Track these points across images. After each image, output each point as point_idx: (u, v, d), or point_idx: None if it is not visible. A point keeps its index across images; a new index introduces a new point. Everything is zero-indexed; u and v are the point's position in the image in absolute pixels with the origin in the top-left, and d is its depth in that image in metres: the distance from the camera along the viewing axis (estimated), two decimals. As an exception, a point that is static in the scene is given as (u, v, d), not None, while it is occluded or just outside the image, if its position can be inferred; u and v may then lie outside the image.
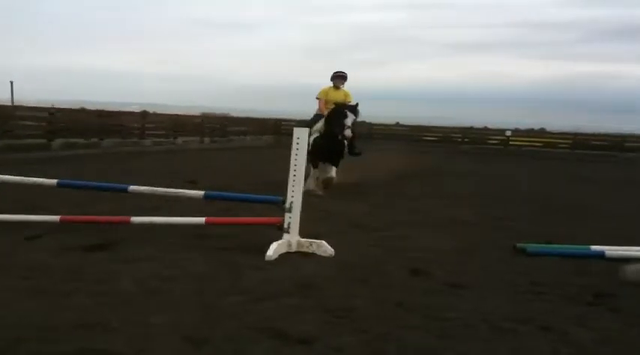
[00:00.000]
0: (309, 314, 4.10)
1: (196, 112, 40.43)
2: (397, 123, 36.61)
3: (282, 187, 6.05)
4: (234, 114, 44.05)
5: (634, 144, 29.86)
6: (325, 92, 11.03)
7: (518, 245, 6.54)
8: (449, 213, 8.87)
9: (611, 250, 6.34)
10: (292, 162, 5.83)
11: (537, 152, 28.48)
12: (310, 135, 9.61)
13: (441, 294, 4.78)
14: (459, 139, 31.28)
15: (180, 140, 23.39)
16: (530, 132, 37.36)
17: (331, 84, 11.08)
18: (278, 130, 30.52)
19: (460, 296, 4.77)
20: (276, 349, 3.50)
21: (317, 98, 11.13)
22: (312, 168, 10.26)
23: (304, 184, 9.00)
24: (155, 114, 26.16)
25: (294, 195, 5.76)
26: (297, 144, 5.83)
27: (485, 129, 37.74)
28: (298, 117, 36.16)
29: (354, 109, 10.08)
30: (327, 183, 10.27)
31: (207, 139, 25.21)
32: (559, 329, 4.06)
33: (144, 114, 23.92)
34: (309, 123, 10.55)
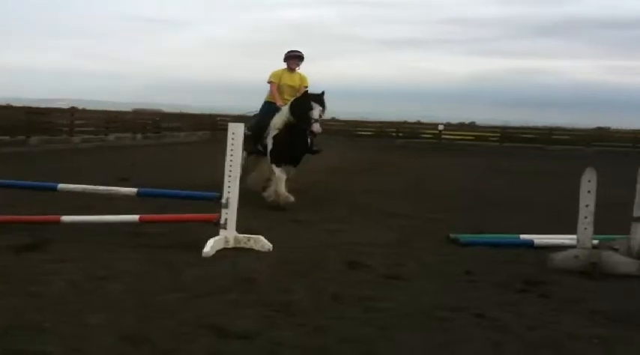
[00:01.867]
0: (248, 309, 4.10)
1: (128, 108, 39.58)
2: (333, 119, 36.82)
3: (219, 183, 6.01)
4: (168, 110, 43.34)
5: (559, 137, 31.02)
6: (278, 75, 9.38)
7: (452, 235, 6.71)
8: (385, 207, 9.00)
9: (540, 239, 6.58)
10: (228, 157, 5.80)
11: (468, 145, 29.20)
12: (265, 131, 8.86)
13: (379, 286, 4.86)
14: (394, 133, 31.73)
15: (111, 137, 22.82)
16: (461, 127, 38.27)
17: (284, 66, 9.46)
18: (213, 126, 30.19)
19: (397, 287, 4.86)
20: (216, 345, 3.48)
21: (268, 82, 9.48)
22: (276, 170, 8.68)
23: (273, 190, 8.39)
24: (85, 111, 25.42)
25: (231, 190, 5.73)
26: (233, 139, 5.79)
27: (419, 123, 38.42)
28: (233, 113, 35.89)
29: (320, 99, 8.58)
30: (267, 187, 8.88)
31: (139, 136, 24.68)
32: (491, 316, 4.19)
33: (72, 111, 23.19)
34: (260, 117, 9.35)
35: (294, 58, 9.41)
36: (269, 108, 9.20)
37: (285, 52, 9.50)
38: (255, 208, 7.92)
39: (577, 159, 16.37)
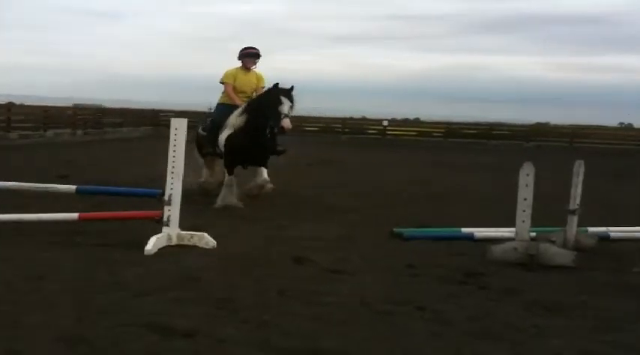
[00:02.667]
0: (191, 307, 4.05)
1: (68, 104, 38.55)
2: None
3: (162, 180, 5.91)
4: (109, 105, 42.40)
5: (501, 133, 31.77)
6: (232, 75, 8.72)
7: (396, 230, 6.80)
8: (330, 202, 9.04)
9: (480, 232, 6.74)
10: (170, 153, 5.71)
11: (413, 141, 29.60)
12: (217, 130, 8.36)
13: (323, 281, 4.88)
14: (339, 129, 31.88)
15: (50, 133, 22.19)
16: (406, 122, 38.76)
17: (239, 64, 8.82)
18: (156, 121, 29.70)
19: (341, 281, 4.89)
20: (158, 344, 3.43)
21: (222, 82, 8.80)
22: (226, 175, 8.25)
23: (222, 197, 8.00)
24: (22, 106, 24.65)
25: (174, 187, 5.65)
26: (175, 135, 5.71)
27: (364, 119, 38.73)
28: (177, 108, 35.38)
29: (289, 94, 7.94)
30: (261, 188, 8.30)
31: (80, 132, 24.08)
32: (433, 308, 4.26)
33: (9, 106, 22.46)
34: (215, 117, 8.73)
35: (249, 57, 8.74)
36: (225, 110, 8.58)
37: (240, 49, 8.82)
38: (199, 205, 7.84)
39: (516, 154, 16.80)
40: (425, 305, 4.31)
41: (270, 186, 8.25)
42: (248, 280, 4.76)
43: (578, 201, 6.25)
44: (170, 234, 5.68)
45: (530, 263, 5.49)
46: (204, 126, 8.88)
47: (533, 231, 6.18)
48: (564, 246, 6.09)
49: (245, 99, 8.58)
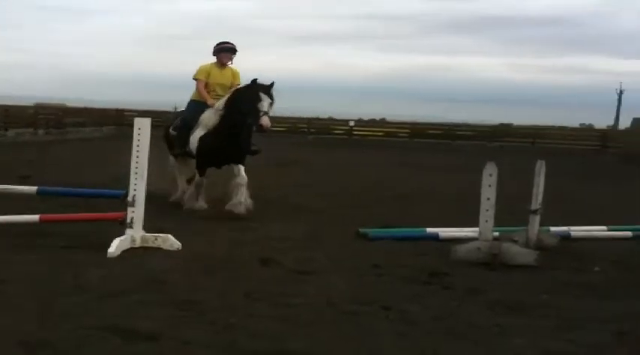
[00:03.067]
0: (155, 309, 4.02)
1: (29, 103, 37.78)
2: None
3: (125, 181, 5.84)
4: (71, 104, 41.66)
5: (464, 133, 32.13)
6: (206, 71, 8.19)
7: (361, 230, 6.83)
8: (297, 202, 9.03)
9: (445, 232, 6.81)
10: (134, 153, 5.64)
11: (379, 141, 29.74)
12: (189, 129, 7.91)
13: (289, 282, 4.88)
14: (305, 130, 31.87)
15: (11, 133, 21.73)
16: (372, 123, 38.95)
17: (214, 60, 8.27)
18: (120, 121, 29.30)
19: (307, 282, 4.90)
20: (121, 347, 3.40)
21: (194, 78, 8.27)
22: (197, 175, 7.92)
23: (189, 198, 7.84)
24: (-19, 105, 24.03)
25: (137, 188, 5.58)
26: (139, 135, 5.64)
27: (330, 119, 38.79)
28: (141, 108, 34.92)
29: (268, 91, 7.48)
30: (238, 187, 7.63)
31: (41, 131, 23.64)
32: (398, 308, 4.30)
33: (-33, 105, 21.94)
34: (186, 115, 8.20)
35: (225, 52, 8.22)
36: (197, 108, 8.10)
37: (215, 44, 8.30)
38: (164, 206, 7.76)
39: (480, 154, 17.01)
40: (390, 305, 4.34)
41: (246, 182, 7.64)
42: (214, 282, 4.73)
43: (539, 200, 6.36)
44: (134, 235, 5.61)
45: (493, 262, 5.57)
46: (174, 125, 8.41)
47: (497, 231, 6.27)
48: (527, 245, 6.19)
49: (217, 97, 8.04)
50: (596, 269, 5.70)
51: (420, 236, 6.78)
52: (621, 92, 60.35)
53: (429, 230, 6.91)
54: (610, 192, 11.94)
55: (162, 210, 7.27)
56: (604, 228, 7.29)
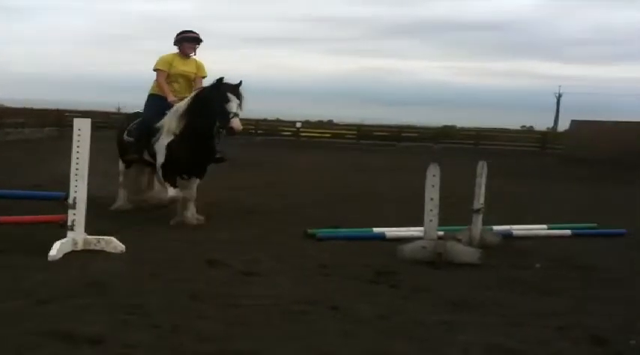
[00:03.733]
0: (99, 313, 3.93)
1: (-36, 103, 36.43)
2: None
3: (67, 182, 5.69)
4: (10, 104, 40.33)
5: (410, 135, 32.56)
6: (168, 61, 7.40)
7: (309, 231, 6.83)
8: (245, 203, 8.98)
9: (391, 231, 6.88)
10: (74, 155, 5.49)
11: (326, 143, 29.83)
12: (155, 135, 7.05)
13: (236, 283, 4.84)
14: (253, 131, 31.71)
15: (-55, 133, 20.91)
16: (319, 124, 39.04)
17: (176, 50, 7.52)
18: (61, 122, 28.52)
19: (254, 283, 4.87)
20: (63, 352, 3.30)
21: (155, 69, 7.45)
22: (169, 188, 7.03)
23: (177, 216, 7.03)
24: None
25: (78, 189, 5.44)
26: (79, 135, 5.50)
27: (278, 121, 38.70)
28: (83, 108, 34.08)
29: (236, 90, 6.84)
30: (185, 202, 7.13)
31: (-22, 132, 22.80)
32: (345, 307, 4.32)
33: None
34: (145, 117, 7.35)
35: (188, 41, 7.42)
36: (157, 104, 7.27)
37: (177, 33, 7.51)
38: (106, 208, 7.60)
39: (424, 156, 17.26)
40: (338, 305, 4.36)
41: (198, 217, 7.16)
42: (159, 284, 4.66)
43: (482, 200, 6.50)
44: (75, 238, 5.47)
45: (438, 261, 5.66)
46: (129, 130, 7.56)
47: (441, 230, 6.38)
48: (470, 244, 6.31)
49: (180, 91, 7.38)
50: (537, 266, 5.86)
51: (367, 236, 6.85)
52: (560, 95, 62.24)
53: (376, 230, 6.98)
54: (549, 192, 12.29)
55: (105, 212, 7.12)
56: (544, 226, 7.51)
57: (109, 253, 5.50)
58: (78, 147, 5.49)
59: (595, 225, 7.89)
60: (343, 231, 6.99)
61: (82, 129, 5.53)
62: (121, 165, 7.90)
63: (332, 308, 4.29)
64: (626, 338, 3.93)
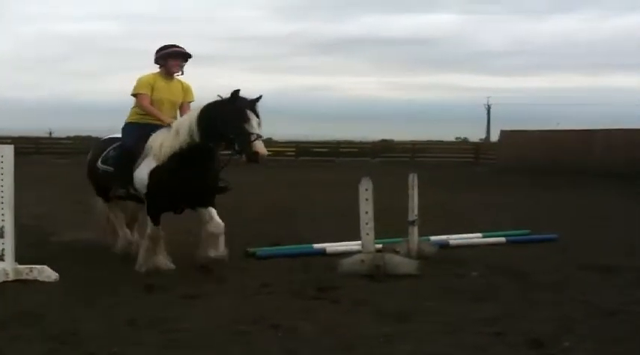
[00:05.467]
0: (32, 344, 3.80)
1: None
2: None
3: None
4: None
5: (347, 150, 32.91)
6: (148, 83, 6.16)
7: (250, 249, 6.79)
8: (180, 223, 8.82)
9: (331, 246, 6.92)
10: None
11: (267, 160, 29.70)
12: (130, 161, 5.95)
13: (176, 306, 4.76)
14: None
15: None
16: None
17: (157, 70, 6.30)
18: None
19: (194, 306, 4.80)
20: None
21: (134, 94, 6.22)
22: (150, 224, 5.94)
23: (144, 256, 5.87)
24: None
25: (5, 218, 5.26)
26: (1, 163, 5.30)
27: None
28: (6, 135, 32.84)
29: (254, 107, 5.64)
30: (212, 237, 5.99)
31: None
32: (287, 325, 4.30)
33: None
34: (123, 142, 6.20)
35: (174, 58, 6.22)
36: (137, 132, 6.11)
37: (159, 48, 6.28)
38: (37, 235, 7.35)
39: (363, 170, 17.44)
40: (280, 323, 4.34)
41: (225, 252, 6.02)
42: (95, 311, 4.54)
43: (416, 211, 6.61)
44: (6, 268, 5.27)
45: (377, 274, 5.71)
46: (105, 157, 6.35)
47: (380, 243, 6.46)
48: (408, 255, 6.40)
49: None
50: (474, 274, 5.98)
51: (307, 252, 6.85)
52: (489, 106, 64.08)
53: (316, 246, 6.99)
54: (484, 201, 12.59)
55: (36, 240, 6.89)
56: (479, 234, 7.69)
57: (42, 282, 5.32)
58: (1, 174, 5.29)
59: (528, 231, 8.15)
60: (283, 249, 6.98)
61: (5, 157, 5.33)
62: (99, 203, 6.73)
63: (274, 327, 4.27)
64: (561, 341, 4.06)
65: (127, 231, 6.72)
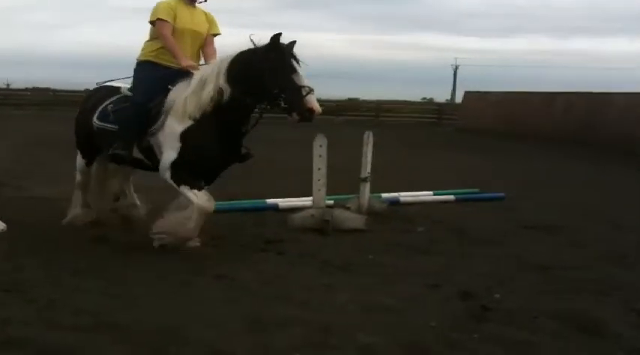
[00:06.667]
0: (-28, 291, 3.83)
1: None
2: (87, 90, 34.76)
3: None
4: None
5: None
6: (170, 9, 5.07)
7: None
8: (137, 181, 8.81)
9: (284, 202, 7.01)
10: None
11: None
12: (157, 119, 4.95)
13: (121, 257, 4.80)
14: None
15: None
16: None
17: None
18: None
19: (137, 258, 4.80)
20: None
21: (154, 21, 5.12)
22: (192, 194, 4.88)
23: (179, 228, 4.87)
24: None
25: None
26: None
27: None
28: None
29: (295, 56, 4.81)
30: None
31: None
32: (231, 275, 4.41)
33: None
34: (136, 90, 5.16)
35: None
36: (154, 76, 5.10)
37: None
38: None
39: (325, 128, 17.48)
40: (225, 274, 4.44)
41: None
42: (40, 260, 4.56)
43: (368, 169, 6.73)
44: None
45: (326, 228, 5.84)
46: (103, 112, 5.28)
47: (332, 199, 6.59)
48: (359, 211, 6.54)
49: (188, 53, 5.13)
50: (420, 229, 6.16)
51: (260, 207, 6.94)
52: (457, 67, 64.26)
53: (269, 201, 7.08)
54: (439, 161, 12.78)
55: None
56: (430, 192, 7.87)
57: (-11, 232, 5.31)
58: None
59: (477, 190, 8.37)
60: (237, 203, 7.05)
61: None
62: (80, 161, 5.76)
63: (218, 278, 4.37)
64: (492, 293, 4.25)
65: (84, 197, 5.80)
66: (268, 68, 4.70)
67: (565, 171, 11.94)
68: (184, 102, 4.84)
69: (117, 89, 5.42)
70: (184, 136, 4.86)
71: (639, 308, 4.04)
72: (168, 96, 4.95)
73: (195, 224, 4.85)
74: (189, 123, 4.86)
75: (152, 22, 5.16)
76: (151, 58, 5.20)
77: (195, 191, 4.88)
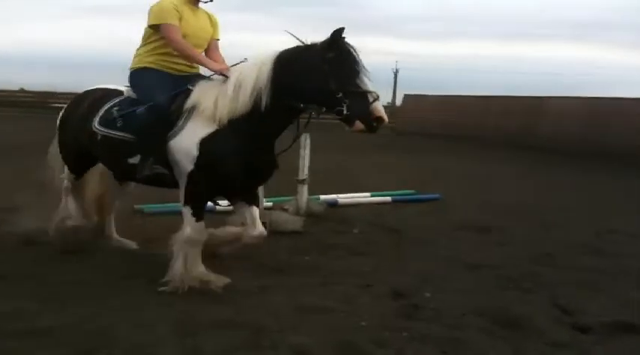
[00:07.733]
0: None
1: None
2: (22, 90, 33.73)
3: None
4: None
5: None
6: (175, 10, 4.41)
7: (137, 206, 6.77)
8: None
9: (221, 204, 6.96)
10: None
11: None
12: (160, 124, 4.26)
13: (55, 262, 4.73)
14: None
15: None
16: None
17: None
18: None
19: (75, 262, 4.74)
20: None
21: (157, 25, 4.44)
22: (189, 220, 4.47)
23: (182, 265, 4.25)
24: None
25: None
26: None
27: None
28: None
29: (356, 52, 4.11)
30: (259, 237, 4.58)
31: None
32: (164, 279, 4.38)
33: None
34: (141, 94, 4.43)
35: None
36: (160, 81, 4.44)
37: None
38: None
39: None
40: (157, 278, 4.40)
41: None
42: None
43: (306, 171, 6.79)
44: None
45: (263, 230, 5.85)
46: (107, 117, 4.55)
47: (270, 201, 6.61)
48: (297, 213, 6.59)
49: (179, 66, 4.58)
50: (355, 231, 6.26)
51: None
52: (397, 71, 64.93)
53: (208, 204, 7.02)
54: (377, 163, 12.94)
55: None
56: (367, 194, 7.99)
57: None
58: None
59: (413, 191, 8.54)
60: (171, 206, 6.95)
61: None
62: (68, 174, 5.21)
63: (152, 282, 4.33)
64: (423, 292, 4.37)
65: (83, 209, 5.27)
66: (330, 69, 3.98)
67: (502, 172, 12.29)
68: (214, 104, 4.15)
69: (116, 90, 4.75)
70: (207, 143, 4.15)
71: (562, 304, 4.22)
72: (191, 97, 4.28)
73: (183, 259, 4.25)
74: (213, 128, 4.15)
75: (153, 26, 4.48)
76: (149, 65, 4.53)
77: (194, 219, 4.38)
